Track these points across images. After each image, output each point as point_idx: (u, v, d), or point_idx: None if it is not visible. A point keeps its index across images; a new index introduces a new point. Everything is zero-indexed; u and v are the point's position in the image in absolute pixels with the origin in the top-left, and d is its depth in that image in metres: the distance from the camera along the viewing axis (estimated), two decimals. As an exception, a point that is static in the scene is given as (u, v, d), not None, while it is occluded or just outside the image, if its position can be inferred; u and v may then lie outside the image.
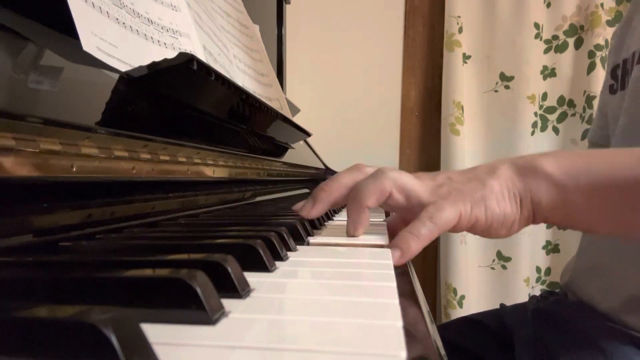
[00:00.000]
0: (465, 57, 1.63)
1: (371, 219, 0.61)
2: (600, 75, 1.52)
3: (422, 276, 1.74)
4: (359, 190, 0.43)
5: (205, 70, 0.44)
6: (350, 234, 0.45)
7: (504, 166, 0.43)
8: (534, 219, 0.43)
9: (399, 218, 0.52)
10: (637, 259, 0.58)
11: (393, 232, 0.48)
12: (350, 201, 0.44)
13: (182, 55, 0.41)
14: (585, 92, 1.58)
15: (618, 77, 0.66)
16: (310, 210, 0.46)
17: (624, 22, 0.70)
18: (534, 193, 0.42)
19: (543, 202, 0.42)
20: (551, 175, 0.42)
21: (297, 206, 0.47)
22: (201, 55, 0.57)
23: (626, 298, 0.58)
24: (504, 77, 1.63)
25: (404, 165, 1.73)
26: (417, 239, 0.39)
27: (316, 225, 0.53)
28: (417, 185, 0.43)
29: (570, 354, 0.57)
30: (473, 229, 0.43)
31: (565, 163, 0.42)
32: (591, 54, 1.55)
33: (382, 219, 0.63)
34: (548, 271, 1.67)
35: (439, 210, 0.40)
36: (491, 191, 0.42)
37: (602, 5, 1.54)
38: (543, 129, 1.64)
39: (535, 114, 1.62)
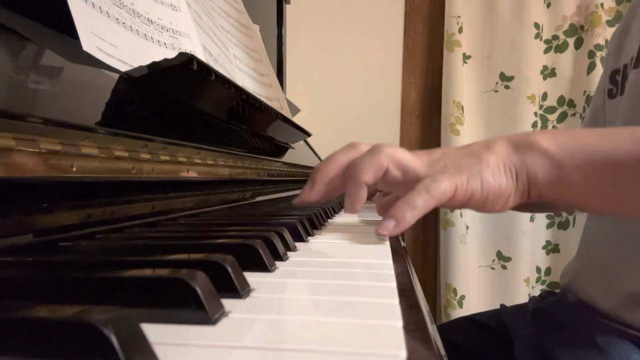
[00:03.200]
0: (465, 57, 1.63)
1: (371, 218, 0.62)
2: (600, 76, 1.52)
3: (422, 276, 1.74)
4: (355, 166, 0.43)
5: (205, 70, 0.44)
6: (348, 211, 0.44)
7: (500, 142, 0.44)
8: (529, 195, 0.43)
9: (395, 197, 0.51)
10: (636, 257, 0.58)
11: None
12: (347, 178, 0.44)
13: (182, 55, 0.41)
14: (585, 92, 1.58)
15: (618, 82, 0.67)
16: (310, 193, 0.45)
17: (622, 28, 0.71)
18: (529, 168, 0.42)
19: (539, 177, 0.42)
20: (547, 150, 0.42)
21: (297, 199, 0.47)
22: (201, 55, 0.57)
23: (626, 296, 0.58)
24: (504, 77, 1.63)
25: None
26: (412, 209, 0.39)
27: (316, 225, 0.53)
28: (414, 160, 0.43)
29: (569, 353, 0.57)
30: (469, 202, 0.43)
31: (562, 139, 0.42)
32: (591, 54, 1.55)
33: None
34: (548, 271, 1.67)
35: (435, 182, 0.40)
36: (487, 165, 0.42)
37: (602, 5, 1.54)
38: (543, 129, 1.64)
39: (535, 114, 1.62)
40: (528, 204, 0.45)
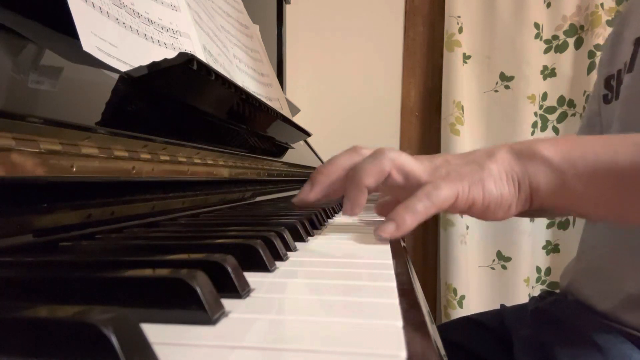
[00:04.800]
0: (465, 57, 1.63)
1: (370, 218, 0.62)
2: (600, 75, 1.52)
3: (422, 276, 1.74)
4: (357, 170, 0.43)
5: (205, 70, 0.44)
6: (347, 213, 0.44)
7: (503, 150, 0.43)
8: (530, 203, 0.43)
9: (394, 200, 0.51)
10: (633, 259, 0.59)
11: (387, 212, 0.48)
12: (349, 181, 0.44)
13: (182, 55, 0.41)
14: (585, 92, 1.58)
15: (613, 88, 0.67)
16: (309, 193, 0.45)
17: (615, 35, 0.71)
18: (532, 177, 0.42)
19: (541, 186, 0.42)
20: (549, 159, 0.42)
21: (296, 198, 0.47)
22: (201, 55, 0.57)
23: (623, 298, 0.58)
24: (504, 77, 1.63)
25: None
26: (412, 214, 0.39)
27: (316, 225, 0.53)
28: (416, 165, 0.43)
29: (568, 353, 0.57)
30: (470, 210, 0.43)
31: (564, 148, 0.42)
32: (591, 54, 1.55)
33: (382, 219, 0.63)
34: (548, 271, 1.67)
35: (436, 189, 0.40)
36: (489, 173, 0.42)
37: (602, 5, 1.54)
38: (543, 129, 1.64)
39: (535, 114, 1.62)
40: (527, 211, 0.46)
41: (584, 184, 0.41)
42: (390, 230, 0.37)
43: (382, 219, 0.62)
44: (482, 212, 0.43)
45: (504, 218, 0.44)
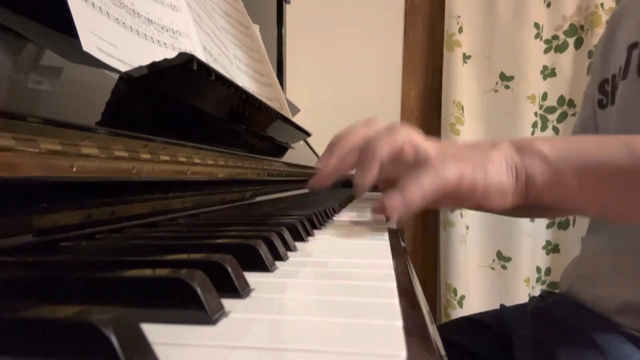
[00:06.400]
0: (465, 57, 1.63)
1: (371, 219, 0.62)
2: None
3: (422, 276, 1.74)
4: (374, 139, 0.44)
5: (205, 70, 0.44)
6: (357, 181, 0.45)
7: (504, 143, 0.46)
8: (526, 195, 0.45)
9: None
10: (630, 268, 0.59)
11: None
12: (363, 151, 0.45)
13: (182, 55, 0.41)
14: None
15: (608, 93, 0.67)
16: (328, 161, 0.47)
17: (607, 38, 0.71)
18: (529, 169, 0.44)
19: (537, 179, 0.44)
20: (545, 155, 0.44)
21: (312, 179, 0.49)
22: (201, 55, 0.57)
23: (620, 305, 0.58)
24: (504, 77, 1.63)
25: (404, 165, 1.73)
26: (418, 186, 0.40)
27: (316, 224, 0.53)
28: (427, 142, 0.45)
29: (569, 353, 0.57)
30: (470, 194, 0.44)
31: (560, 147, 0.45)
32: (591, 54, 1.55)
33: (384, 223, 0.63)
34: (548, 271, 1.67)
35: (442, 165, 0.42)
36: (492, 160, 0.44)
37: (602, 5, 1.54)
38: (543, 129, 1.64)
39: (535, 114, 1.62)
40: (526, 207, 0.47)
41: (576, 181, 0.43)
42: (397, 201, 0.37)
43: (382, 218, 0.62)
44: (481, 197, 0.44)
45: (500, 206, 0.45)
